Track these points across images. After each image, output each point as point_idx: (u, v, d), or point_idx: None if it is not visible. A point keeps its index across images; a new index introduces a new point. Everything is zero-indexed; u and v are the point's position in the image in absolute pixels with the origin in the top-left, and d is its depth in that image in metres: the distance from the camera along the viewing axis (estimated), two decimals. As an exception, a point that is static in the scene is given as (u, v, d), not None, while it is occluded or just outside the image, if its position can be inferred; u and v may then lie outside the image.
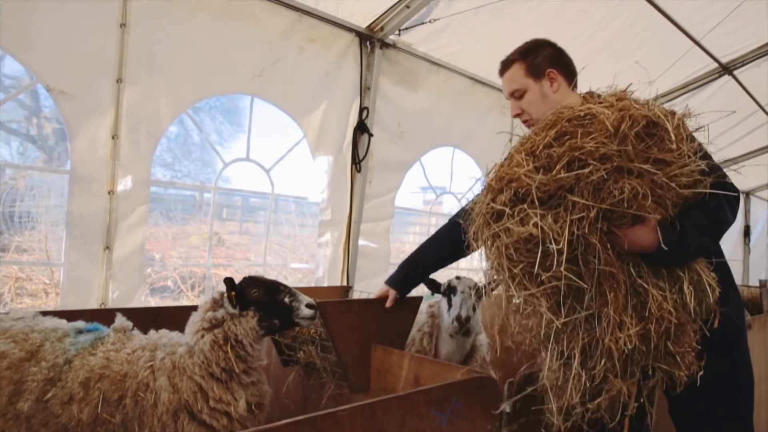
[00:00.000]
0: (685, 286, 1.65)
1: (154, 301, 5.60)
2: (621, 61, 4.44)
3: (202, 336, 1.88)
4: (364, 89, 3.96)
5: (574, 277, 1.50)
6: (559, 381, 1.65)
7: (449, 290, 2.63)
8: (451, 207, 5.41)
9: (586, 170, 1.49)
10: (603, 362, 1.56)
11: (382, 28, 3.83)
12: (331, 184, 3.99)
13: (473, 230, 1.68)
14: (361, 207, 4.11)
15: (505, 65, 2.02)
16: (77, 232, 2.81)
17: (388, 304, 2.35)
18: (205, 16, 3.13)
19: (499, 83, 2.07)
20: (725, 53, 5.03)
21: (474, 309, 2.58)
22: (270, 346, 2.60)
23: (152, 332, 2.02)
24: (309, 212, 4.56)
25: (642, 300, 1.59)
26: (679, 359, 1.64)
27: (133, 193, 2.96)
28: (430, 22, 3.78)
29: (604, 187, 1.52)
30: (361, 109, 3.96)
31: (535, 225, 1.48)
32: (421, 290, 2.66)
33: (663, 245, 1.57)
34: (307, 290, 3.05)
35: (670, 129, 1.54)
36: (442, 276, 2.63)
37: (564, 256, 1.46)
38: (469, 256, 2.17)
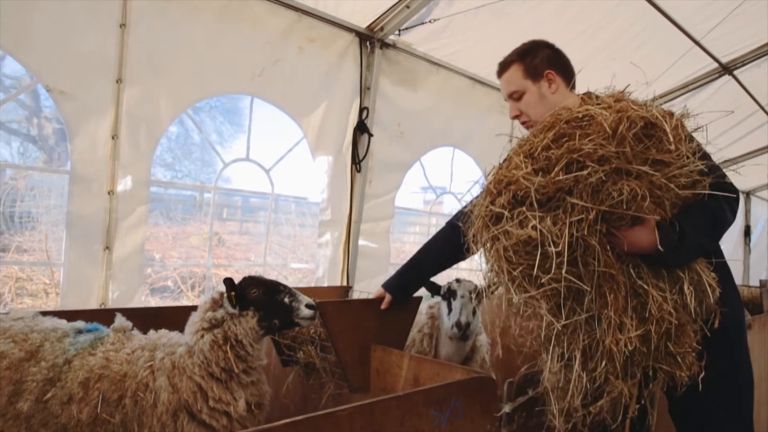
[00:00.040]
0: (686, 287, 1.65)
1: (154, 301, 5.60)
2: (621, 61, 4.43)
3: (202, 336, 1.88)
4: (364, 89, 3.96)
5: (574, 279, 1.50)
6: (561, 383, 1.65)
7: (449, 294, 2.61)
8: (451, 207, 5.41)
9: (585, 172, 1.49)
10: (604, 364, 1.56)
11: (382, 28, 3.83)
12: (331, 184, 3.99)
13: (472, 233, 1.68)
14: (361, 207, 4.11)
15: (503, 67, 2.01)
16: (77, 232, 2.82)
17: (383, 306, 2.35)
18: (205, 17, 3.13)
19: (499, 83, 2.07)
20: (725, 53, 5.02)
21: (474, 313, 2.57)
22: (270, 347, 2.60)
23: (152, 332, 2.02)
24: (309, 212, 4.57)
25: (642, 301, 1.59)
26: (679, 360, 1.64)
27: (133, 193, 2.96)
28: (430, 22, 3.78)
29: (602, 188, 1.52)
30: (361, 109, 3.96)
31: (534, 228, 1.48)
32: (420, 290, 2.65)
33: (662, 246, 1.57)
34: (306, 290, 3.04)
35: (668, 130, 1.54)
36: (442, 276, 2.62)
37: (563, 259, 1.46)
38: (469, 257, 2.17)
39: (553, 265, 1.47)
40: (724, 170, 1.79)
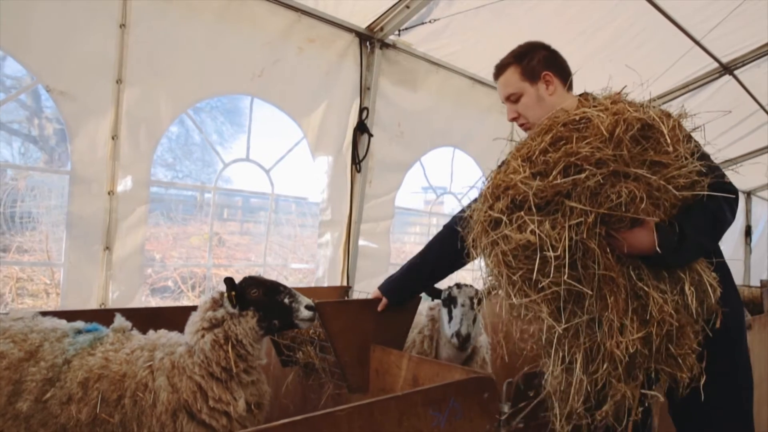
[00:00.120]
0: (687, 287, 1.65)
1: (154, 302, 5.61)
2: (621, 61, 4.42)
3: (203, 336, 1.88)
4: (364, 89, 3.96)
5: (573, 283, 1.49)
6: (562, 386, 1.65)
7: (449, 300, 2.57)
8: (451, 207, 5.42)
9: (583, 175, 1.49)
10: (605, 366, 1.56)
11: (381, 29, 3.83)
12: (331, 184, 3.99)
13: (471, 238, 1.68)
14: (361, 207, 4.11)
15: (500, 69, 2.01)
16: (77, 233, 2.82)
17: (379, 308, 2.35)
18: (205, 17, 3.13)
19: (496, 86, 2.07)
20: (726, 53, 5.02)
21: (474, 320, 2.54)
22: (269, 347, 2.60)
23: (151, 332, 2.02)
24: (309, 212, 4.57)
25: (643, 303, 1.59)
26: (680, 361, 1.64)
27: (133, 194, 2.97)
28: (430, 22, 3.78)
29: (601, 191, 1.51)
30: (361, 110, 3.96)
31: (533, 232, 1.48)
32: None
33: (661, 247, 1.57)
34: (306, 290, 3.05)
35: (665, 131, 1.53)
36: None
37: (562, 262, 1.46)
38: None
39: (553, 268, 1.47)
40: (723, 170, 1.79)
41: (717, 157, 1.85)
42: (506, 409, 1.76)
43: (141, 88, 2.94)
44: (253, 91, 3.49)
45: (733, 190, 1.74)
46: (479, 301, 2.54)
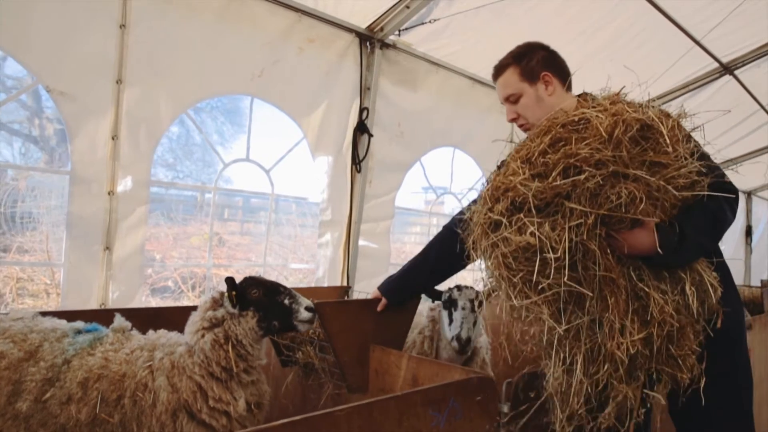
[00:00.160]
0: (687, 287, 1.65)
1: (154, 302, 5.61)
2: (621, 61, 4.42)
3: (203, 335, 1.88)
4: (364, 89, 3.96)
5: (574, 284, 1.49)
6: (563, 387, 1.65)
7: (450, 303, 2.55)
8: (452, 207, 5.42)
9: (582, 177, 1.49)
10: (606, 367, 1.56)
11: (381, 29, 3.83)
12: (331, 184, 3.99)
13: (472, 240, 1.68)
14: (361, 207, 4.11)
15: (499, 70, 2.00)
16: (77, 233, 2.82)
17: (378, 308, 2.35)
18: (204, 17, 3.13)
19: (496, 87, 2.06)
20: (726, 53, 5.02)
21: (475, 323, 2.52)
22: (269, 347, 2.60)
23: (151, 332, 2.02)
24: (309, 212, 4.57)
25: (644, 304, 1.59)
26: (680, 362, 1.64)
27: (133, 194, 2.97)
28: (430, 22, 3.78)
29: (600, 192, 1.51)
30: (361, 110, 3.96)
31: (533, 234, 1.48)
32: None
33: (662, 247, 1.57)
34: (306, 290, 3.05)
35: (664, 132, 1.53)
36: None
37: (562, 263, 1.46)
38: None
39: (553, 270, 1.47)
40: (723, 170, 1.79)
41: (717, 157, 1.85)
42: (506, 409, 1.76)
43: (141, 88, 2.94)
44: (253, 91, 3.49)
45: (733, 190, 1.74)
46: (480, 303, 2.53)
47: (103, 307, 2.87)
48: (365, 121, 3.97)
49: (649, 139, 1.56)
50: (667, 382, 1.68)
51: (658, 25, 4.27)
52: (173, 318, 2.16)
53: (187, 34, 3.07)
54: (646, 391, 1.64)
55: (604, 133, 1.52)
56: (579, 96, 1.95)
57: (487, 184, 1.68)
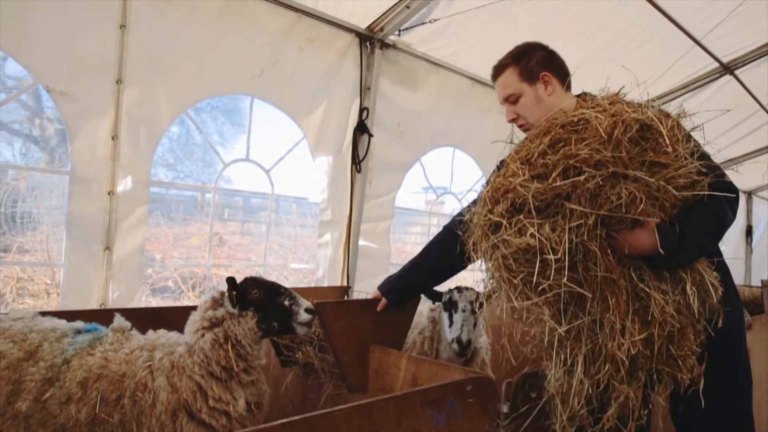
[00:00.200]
0: (688, 287, 1.65)
1: (155, 302, 5.61)
2: (621, 61, 4.42)
3: (203, 335, 1.88)
4: (364, 89, 3.96)
5: (574, 285, 1.49)
6: (564, 388, 1.65)
7: (450, 305, 2.54)
8: (452, 207, 5.42)
9: (582, 177, 1.49)
10: (607, 368, 1.56)
11: (382, 29, 3.83)
12: (331, 184, 3.99)
13: (472, 242, 1.67)
14: (361, 207, 4.11)
15: (498, 70, 2.00)
16: (77, 233, 2.82)
17: (378, 308, 2.35)
18: (204, 17, 3.13)
19: (495, 87, 2.06)
20: (726, 53, 5.02)
21: (475, 325, 2.51)
22: (269, 347, 2.60)
23: (150, 332, 2.02)
24: (309, 212, 4.57)
25: (644, 304, 1.59)
26: (681, 362, 1.64)
27: (132, 194, 2.97)
28: (430, 22, 3.78)
29: (600, 193, 1.51)
30: (361, 110, 3.97)
31: (533, 235, 1.48)
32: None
33: (663, 247, 1.57)
34: (306, 290, 3.05)
35: (663, 132, 1.53)
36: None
37: (562, 264, 1.46)
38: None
39: (553, 271, 1.47)
40: (724, 170, 1.79)
41: (717, 157, 1.85)
42: (505, 409, 1.76)
43: (141, 88, 2.94)
44: (253, 91, 3.49)
45: (734, 190, 1.74)
46: (480, 305, 2.52)
47: (103, 307, 2.87)
48: (365, 121, 3.97)
49: (648, 139, 1.56)
50: (668, 383, 1.68)
51: (658, 25, 4.27)
52: (173, 318, 2.16)
53: (187, 34, 3.07)
54: (648, 391, 1.64)
55: (603, 134, 1.52)
56: (578, 96, 1.95)
57: (487, 185, 1.68)
